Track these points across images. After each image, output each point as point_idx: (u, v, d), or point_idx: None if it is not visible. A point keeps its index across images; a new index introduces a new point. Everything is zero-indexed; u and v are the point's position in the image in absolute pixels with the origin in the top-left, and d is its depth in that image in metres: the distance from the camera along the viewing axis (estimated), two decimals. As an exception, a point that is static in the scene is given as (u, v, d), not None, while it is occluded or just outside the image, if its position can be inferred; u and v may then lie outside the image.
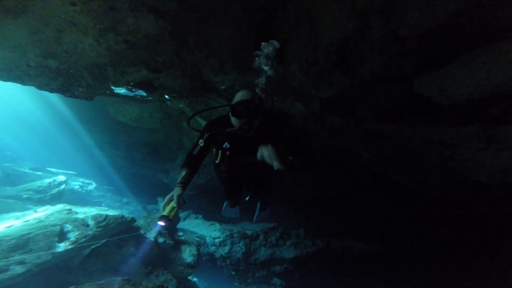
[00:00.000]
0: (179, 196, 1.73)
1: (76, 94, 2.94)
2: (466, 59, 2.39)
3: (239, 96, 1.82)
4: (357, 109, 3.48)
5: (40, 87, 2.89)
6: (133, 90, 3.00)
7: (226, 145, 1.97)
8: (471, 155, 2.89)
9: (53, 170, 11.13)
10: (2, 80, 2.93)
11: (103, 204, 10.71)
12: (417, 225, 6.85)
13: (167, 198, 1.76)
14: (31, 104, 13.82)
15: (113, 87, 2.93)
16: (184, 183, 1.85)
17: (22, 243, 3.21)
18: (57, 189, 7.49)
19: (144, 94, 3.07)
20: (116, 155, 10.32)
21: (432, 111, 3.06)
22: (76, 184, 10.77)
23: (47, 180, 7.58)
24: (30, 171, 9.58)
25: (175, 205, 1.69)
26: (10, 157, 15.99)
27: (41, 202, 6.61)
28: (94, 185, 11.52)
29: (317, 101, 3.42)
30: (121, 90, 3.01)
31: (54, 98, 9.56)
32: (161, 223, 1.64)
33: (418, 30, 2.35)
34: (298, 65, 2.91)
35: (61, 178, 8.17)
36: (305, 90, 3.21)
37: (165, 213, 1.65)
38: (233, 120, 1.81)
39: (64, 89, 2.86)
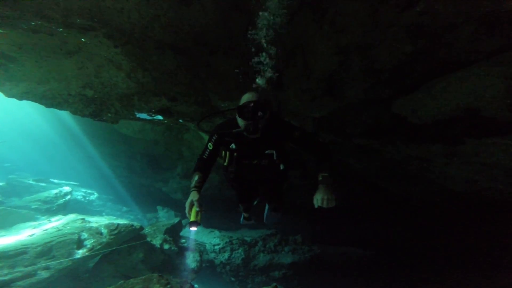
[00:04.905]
0: (198, 200, 1.79)
1: (105, 118, 3.39)
2: (428, 87, 2.92)
3: (246, 98, 1.87)
4: (345, 127, 3.98)
5: (75, 112, 3.34)
6: (153, 115, 3.45)
7: (233, 146, 2.02)
8: (441, 168, 3.39)
9: (56, 181, 11.36)
10: (46, 107, 3.38)
11: (103, 213, 10.89)
12: (408, 231, 7.25)
13: (187, 205, 1.81)
14: (38, 116, 14.15)
15: (136, 113, 3.38)
16: (198, 187, 1.90)
17: (46, 250, 3.53)
18: (63, 199, 7.76)
19: (161, 118, 3.51)
20: (116, 165, 10.59)
21: (409, 131, 3.57)
22: (79, 194, 10.99)
23: (54, 191, 7.86)
24: (34, 182, 9.82)
25: (197, 209, 1.77)
26: (9, 168, 16.11)
27: (49, 212, 6.88)
28: (96, 195, 11.73)
29: (311, 120, 3.91)
30: (143, 115, 3.45)
31: (62, 111, 9.96)
32: (194, 228, 1.73)
33: (388, 65, 2.89)
34: (293, 91, 3.42)
35: (66, 189, 8.44)
36: (300, 112, 3.71)
37: (192, 218, 1.74)
38: (240, 121, 1.85)
39: (95, 114, 3.30)
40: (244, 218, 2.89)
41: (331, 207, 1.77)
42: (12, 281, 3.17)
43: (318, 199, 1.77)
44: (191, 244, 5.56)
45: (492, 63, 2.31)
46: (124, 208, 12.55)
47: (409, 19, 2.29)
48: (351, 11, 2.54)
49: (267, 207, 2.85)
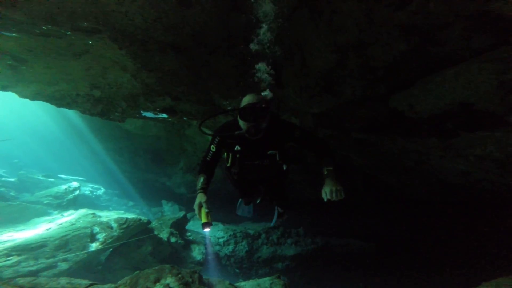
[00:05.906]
0: (206, 202, 1.83)
1: (112, 117, 3.55)
2: (423, 83, 2.99)
3: (246, 100, 1.87)
4: (344, 123, 4.08)
5: (84, 112, 3.50)
6: (157, 114, 3.60)
7: (236, 147, 2.03)
8: (437, 160, 3.49)
9: (64, 176, 11.69)
10: (56, 106, 3.56)
11: (110, 208, 11.20)
12: (409, 224, 7.37)
13: (196, 207, 1.83)
14: (43, 114, 14.41)
15: (142, 112, 3.52)
16: (204, 189, 1.94)
17: (63, 243, 3.77)
18: (72, 194, 8.05)
19: (166, 116, 3.65)
20: (120, 161, 10.83)
21: (406, 125, 3.66)
22: (86, 189, 11.31)
23: (63, 187, 8.15)
24: (43, 178, 10.15)
25: (206, 210, 1.81)
26: (17, 164, 16.53)
27: (60, 207, 7.16)
28: (102, 190, 12.06)
29: (310, 116, 4.01)
30: (148, 114, 3.60)
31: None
32: (207, 229, 1.79)
33: (384, 62, 2.97)
34: (292, 89, 3.51)
35: (75, 184, 8.73)
36: (300, 108, 3.81)
37: (204, 220, 1.78)
38: (241, 123, 1.87)
39: (102, 114, 3.46)
40: (242, 203, 2.87)
41: (340, 199, 1.77)
42: (38, 271, 3.43)
43: (327, 192, 1.77)
44: (207, 241, 5.90)
45: (484, 60, 2.38)
46: (130, 203, 12.85)
47: (402, 18, 2.36)
48: (346, 10, 2.61)
49: (275, 213, 2.85)
